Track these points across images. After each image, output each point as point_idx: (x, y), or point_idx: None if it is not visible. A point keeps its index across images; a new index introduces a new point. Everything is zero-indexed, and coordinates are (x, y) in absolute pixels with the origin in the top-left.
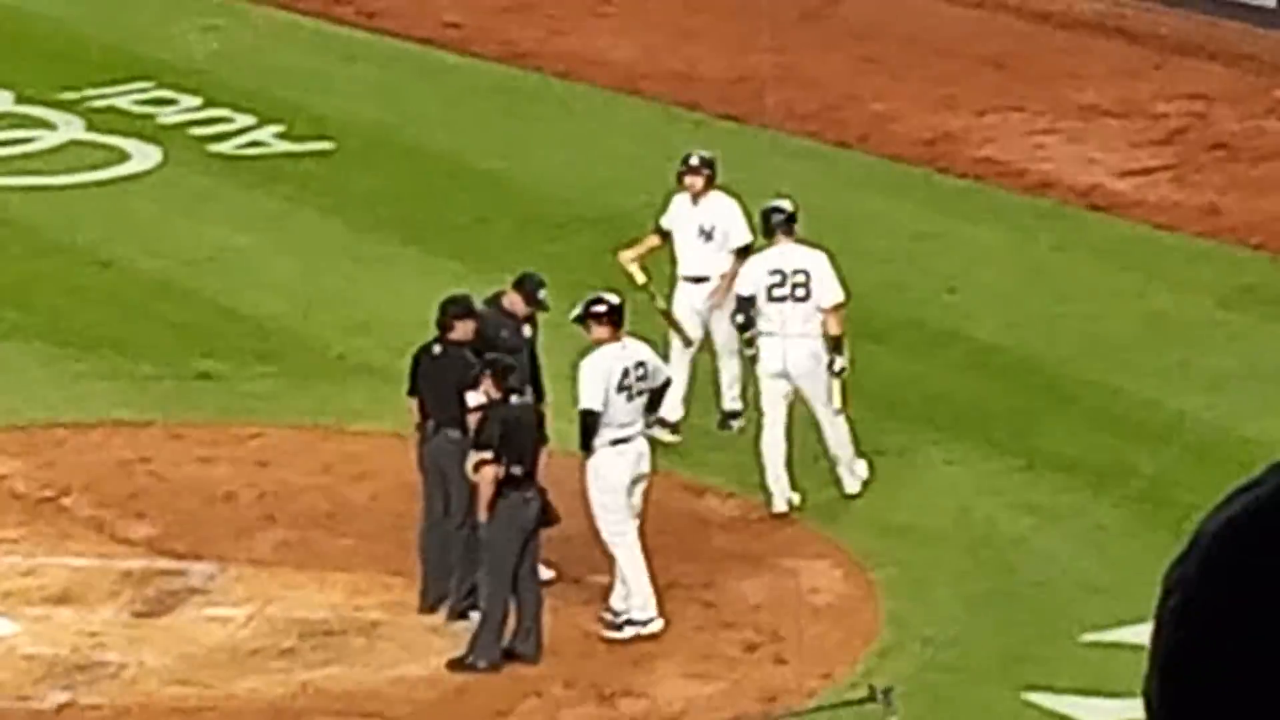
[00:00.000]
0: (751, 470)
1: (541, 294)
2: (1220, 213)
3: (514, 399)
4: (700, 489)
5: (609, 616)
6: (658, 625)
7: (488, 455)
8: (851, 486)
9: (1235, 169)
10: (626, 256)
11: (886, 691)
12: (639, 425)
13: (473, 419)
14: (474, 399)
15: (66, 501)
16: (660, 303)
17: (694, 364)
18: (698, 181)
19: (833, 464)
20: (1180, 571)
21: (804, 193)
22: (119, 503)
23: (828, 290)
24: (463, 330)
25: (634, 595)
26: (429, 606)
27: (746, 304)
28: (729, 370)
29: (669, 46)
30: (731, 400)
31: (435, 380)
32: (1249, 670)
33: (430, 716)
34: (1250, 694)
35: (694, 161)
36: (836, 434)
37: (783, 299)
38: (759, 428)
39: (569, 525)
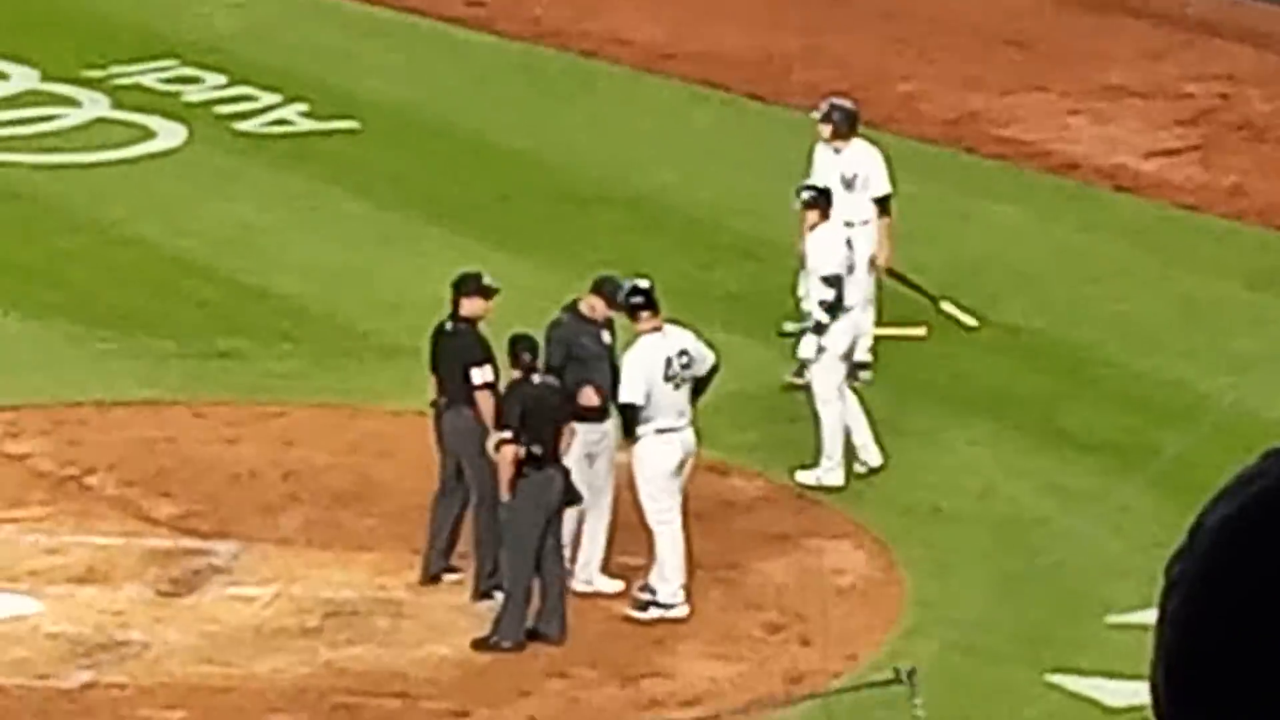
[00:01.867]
0: (776, 450)
1: (622, 295)
2: (1246, 194)
3: (535, 378)
4: (725, 469)
5: (642, 596)
6: (683, 612)
7: (508, 435)
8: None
9: (1262, 150)
10: (800, 246)
11: (910, 673)
12: (687, 414)
13: (479, 396)
14: (478, 376)
15: (91, 480)
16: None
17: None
18: (826, 129)
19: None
20: (1181, 568)
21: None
22: (144, 481)
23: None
24: (471, 307)
25: (667, 580)
26: (430, 577)
27: (835, 282)
28: (865, 320)
29: (695, 25)
30: (863, 351)
31: (446, 357)
32: (1251, 668)
33: (454, 696)
34: (1253, 690)
35: (827, 110)
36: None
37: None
38: (813, 412)
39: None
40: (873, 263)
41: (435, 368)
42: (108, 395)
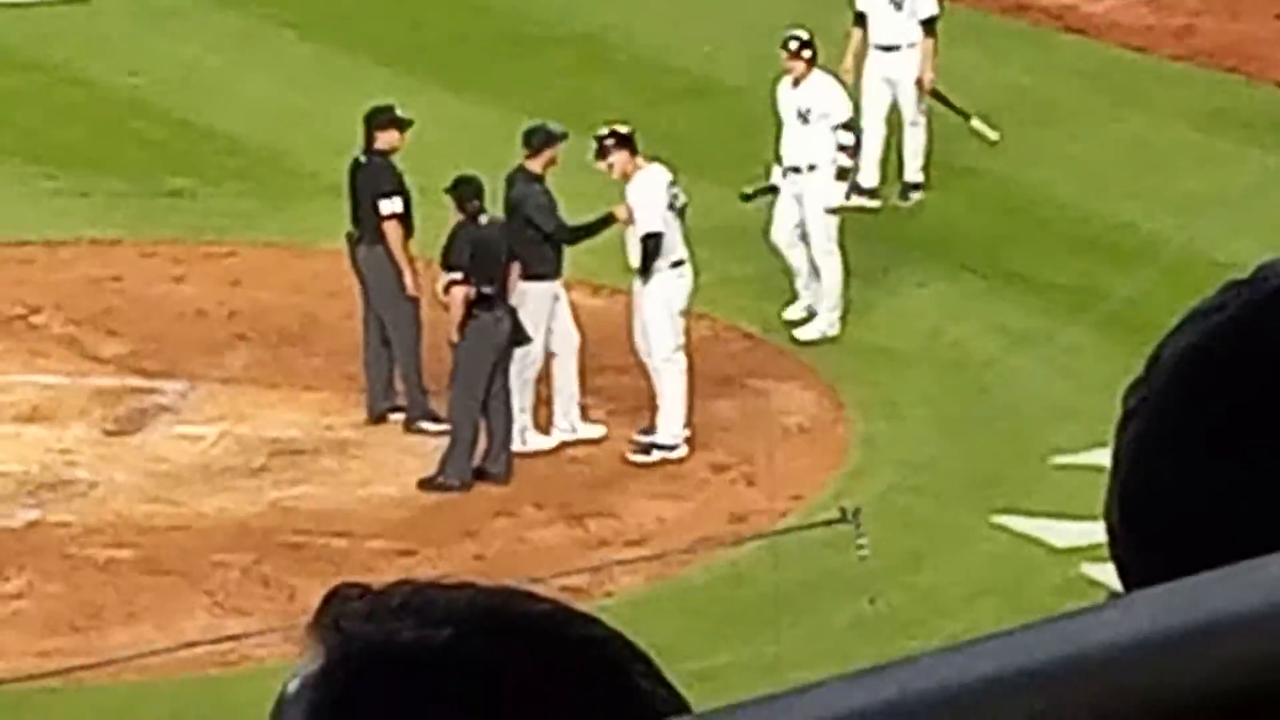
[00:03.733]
0: (724, 290)
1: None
2: (1195, 34)
3: (482, 219)
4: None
5: (643, 439)
6: (683, 451)
7: (457, 276)
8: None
9: None
10: (845, 67)
11: (856, 513)
12: (684, 247)
13: (387, 226)
14: (387, 206)
15: (38, 319)
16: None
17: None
18: None
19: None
20: (1138, 398)
21: (785, 18)
22: (90, 320)
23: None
24: (385, 139)
25: (670, 421)
26: (375, 418)
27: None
28: (914, 140)
29: None
30: (914, 172)
31: (359, 190)
32: (1209, 498)
33: (400, 535)
34: (1211, 520)
35: None
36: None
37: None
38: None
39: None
40: (919, 84)
41: (352, 201)
42: (54, 234)
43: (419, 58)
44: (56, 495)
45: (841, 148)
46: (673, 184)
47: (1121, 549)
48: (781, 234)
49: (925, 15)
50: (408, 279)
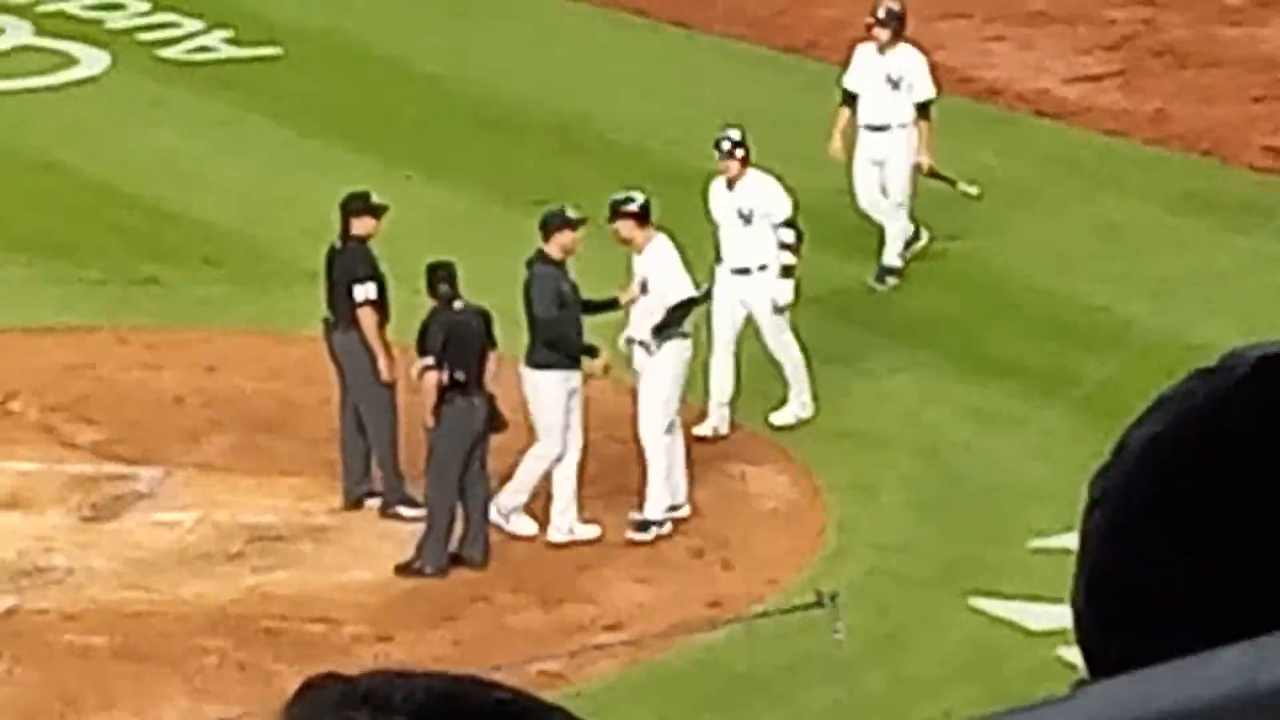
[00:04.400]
0: (699, 376)
1: (630, 206)
2: (1169, 119)
3: (457, 304)
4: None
5: (639, 517)
6: (666, 528)
7: (429, 362)
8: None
9: (1184, 76)
10: (835, 147)
11: (833, 597)
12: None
13: (361, 313)
14: (360, 292)
15: (14, 406)
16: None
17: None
18: (884, 34)
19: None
20: (1104, 485)
21: (753, 99)
22: (66, 407)
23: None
24: (360, 226)
25: (661, 496)
26: (351, 503)
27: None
28: (896, 224)
29: None
30: (893, 257)
31: (334, 275)
32: (1174, 587)
33: (377, 621)
34: (1176, 610)
35: (881, 14)
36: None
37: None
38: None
39: (517, 432)
40: (918, 167)
41: (328, 287)
42: (29, 321)
43: (393, 143)
44: (33, 582)
45: (784, 246)
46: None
47: (1086, 634)
48: (725, 333)
49: (922, 99)
50: (382, 365)
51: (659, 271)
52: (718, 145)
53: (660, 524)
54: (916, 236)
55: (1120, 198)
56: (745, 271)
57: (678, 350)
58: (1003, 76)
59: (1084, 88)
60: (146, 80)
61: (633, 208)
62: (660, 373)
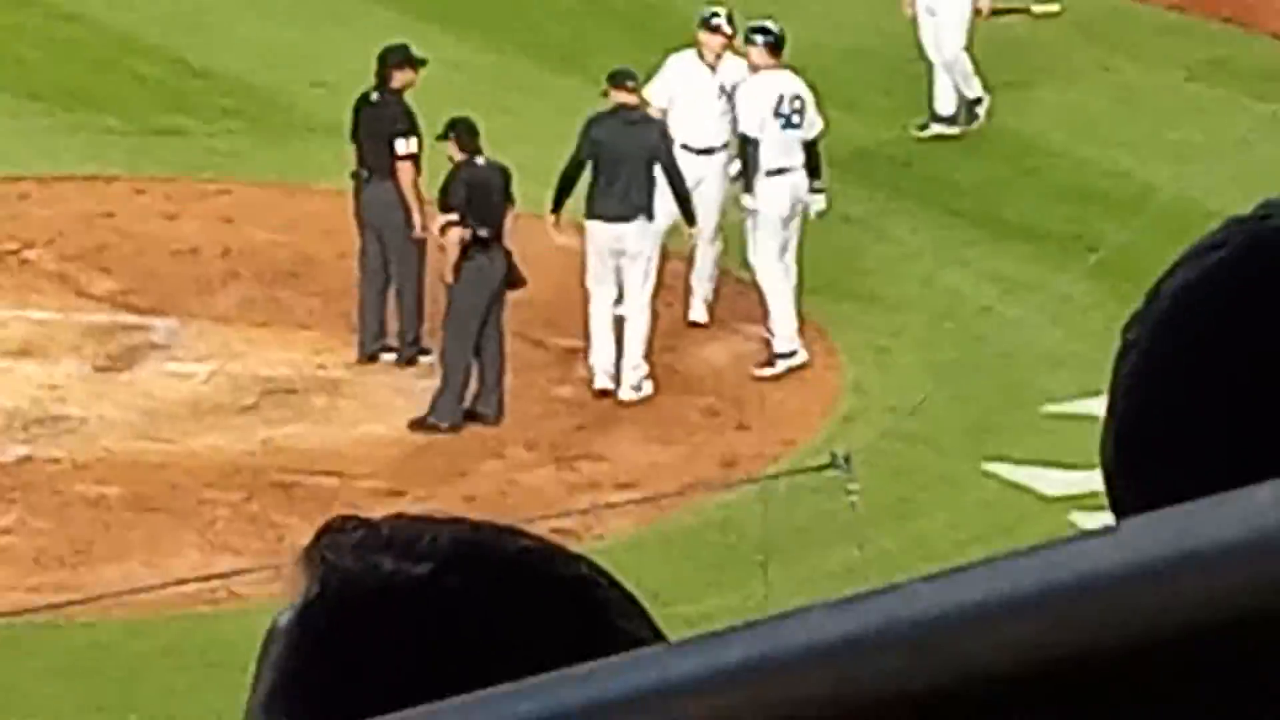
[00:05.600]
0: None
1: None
2: None
3: (479, 160)
4: (664, 253)
5: (764, 355)
6: (802, 357)
7: (454, 217)
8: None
9: None
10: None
11: (846, 458)
12: (799, 156)
13: (402, 167)
14: (403, 146)
15: (30, 255)
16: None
17: None
18: None
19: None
20: (1137, 331)
21: None
22: (83, 256)
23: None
24: (401, 79)
25: (780, 329)
26: (366, 357)
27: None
28: (965, 64)
29: None
30: (975, 89)
31: (371, 128)
32: (1208, 433)
33: (390, 476)
34: (1210, 455)
35: None
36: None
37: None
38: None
39: (534, 288)
40: (978, 13)
41: (358, 138)
42: (48, 170)
43: None
44: (46, 431)
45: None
46: (797, 97)
47: (1116, 487)
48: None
49: None
50: (417, 219)
51: (742, 105)
52: (705, 21)
53: (790, 354)
54: (976, 105)
55: (1141, 63)
56: (708, 152)
57: (762, 191)
58: None
59: None
60: None
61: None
62: (756, 216)
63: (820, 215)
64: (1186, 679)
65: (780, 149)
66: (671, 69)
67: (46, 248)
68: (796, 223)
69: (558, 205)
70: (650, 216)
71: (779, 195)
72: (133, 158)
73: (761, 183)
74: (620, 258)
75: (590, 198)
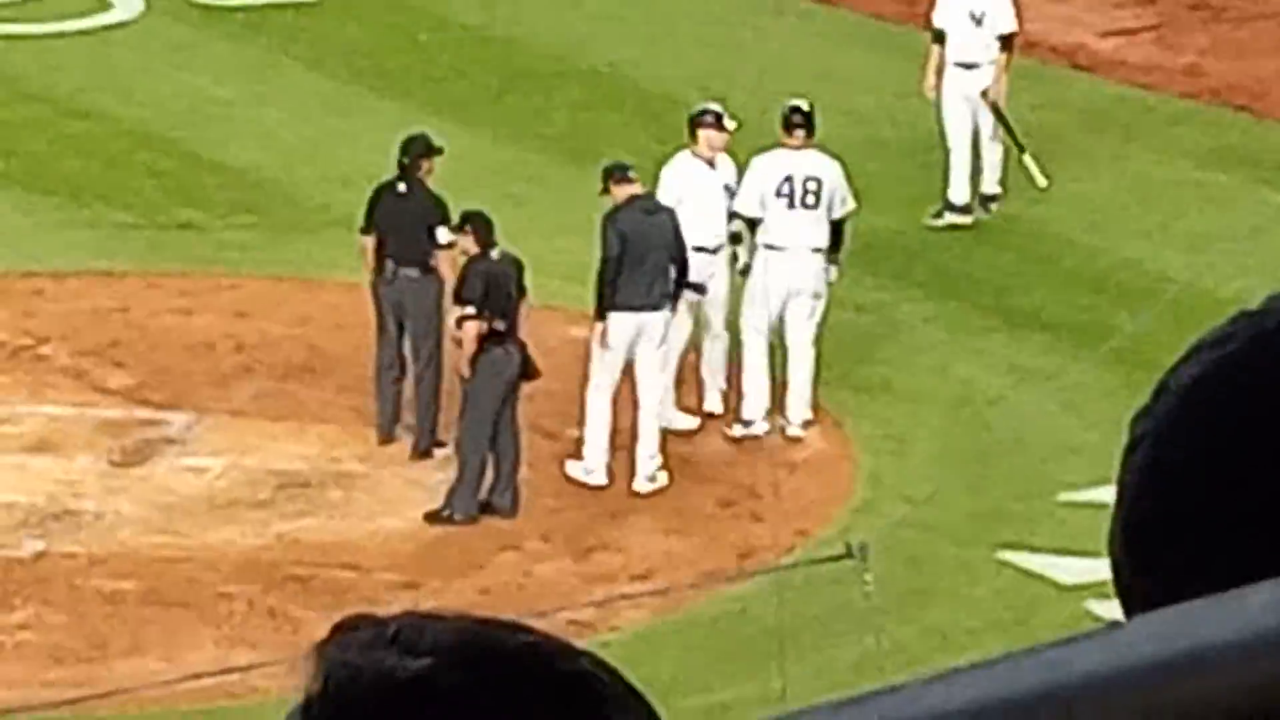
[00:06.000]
0: (733, 325)
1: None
2: (1203, 73)
3: (493, 253)
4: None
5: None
6: (761, 430)
7: (470, 311)
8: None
9: (1218, 29)
10: (929, 85)
11: (862, 548)
12: (804, 237)
13: (442, 256)
14: (444, 235)
15: (45, 350)
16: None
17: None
18: None
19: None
20: (1145, 426)
21: (787, 49)
22: (97, 352)
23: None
24: (426, 167)
25: (750, 398)
26: (383, 440)
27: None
28: (992, 154)
29: None
30: (992, 185)
31: (400, 219)
32: (1214, 529)
33: (406, 568)
34: (1216, 551)
35: None
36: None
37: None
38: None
39: (548, 381)
40: (984, 95)
41: (379, 229)
42: (62, 265)
43: (426, 91)
44: (63, 526)
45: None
46: (811, 179)
47: (1124, 580)
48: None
49: (1005, 31)
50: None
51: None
52: (700, 116)
53: (748, 424)
54: (991, 201)
55: (1153, 152)
56: (717, 250)
57: (758, 262)
58: (1038, 29)
59: (1118, 41)
60: (180, 25)
61: (800, 116)
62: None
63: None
64: None
65: (781, 227)
66: (672, 171)
67: (61, 343)
68: (802, 304)
69: (604, 307)
70: (675, 306)
71: (772, 270)
72: (145, 252)
73: (758, 256)
74: (636, 349)
75: (614, 290)
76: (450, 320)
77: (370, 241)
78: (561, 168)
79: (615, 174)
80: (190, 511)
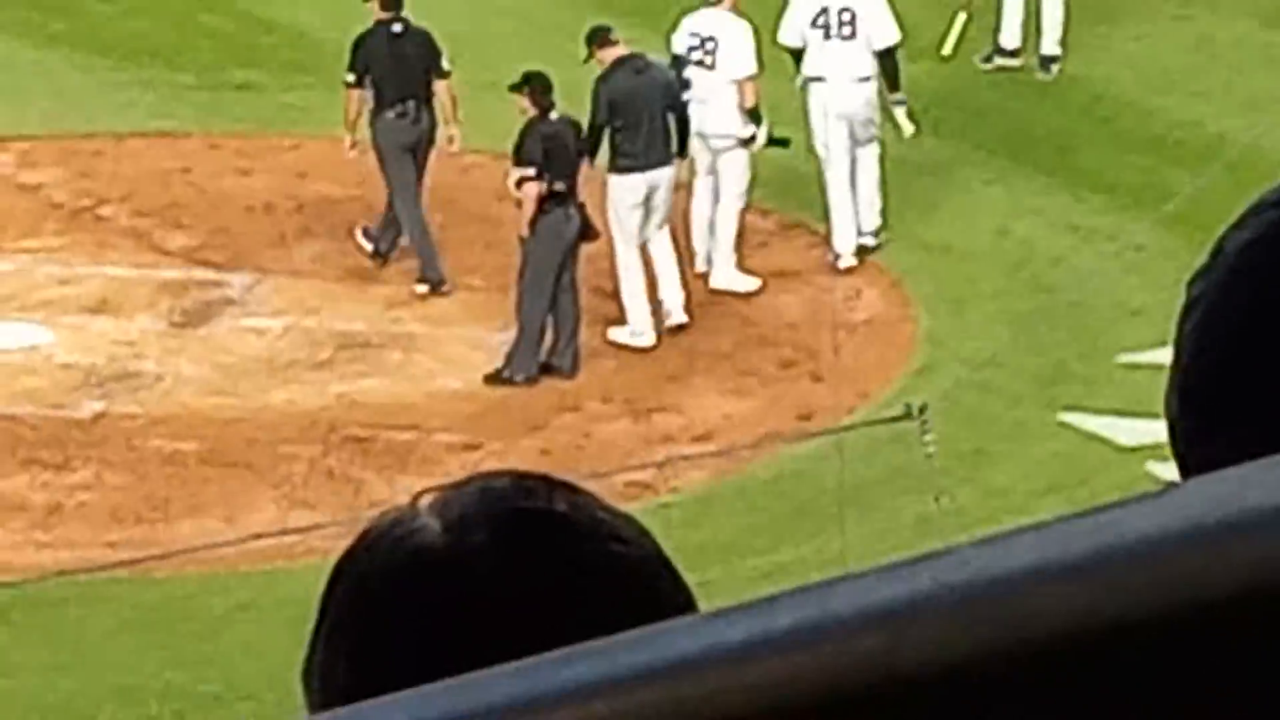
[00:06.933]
0: (791, 187)
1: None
2: None
3: (553, 115)
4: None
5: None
6: (871, 241)
7: (530, 172)
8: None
9: None
10: None
11: (922, 409)
12: (844, 66)
13: (444, 87)
14: (448, 65)
15: (105, 211)
16: None
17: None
18: None
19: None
20: (1201, 286)
21: None
22: (157, 212)
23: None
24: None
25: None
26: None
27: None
28: (1053, 12)
29: None
30: (1052, 45)
31: (401, 59)
32: (1268, 387)
33: (465, 429)
34: (1270, 409)
35: None
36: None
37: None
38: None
39: (605, 242)
40: None
41: (375, 72)
42: (122, 126)
43: None
44: (122, 387)
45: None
46: (845, 9)
47: (1181, 441)
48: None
49: None
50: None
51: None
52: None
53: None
54: (1052, 62)
55: (1214, 12)
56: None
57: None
58: None
59: None
60: None
61: None
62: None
63: (914, 135)
64: (1240, 642)
65: (819, 58)
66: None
67: (121, 204)
68: (858, 129)
69: (610, 170)
70: (684, 154)
71: (819, 99)
72: (205, 114)
73: (807, 87)
74: (650, 204)
75: (617, 153)
76: (509, 181)
77: (359, 93)
78: (625, 28)
79: (598, 38)
80: (250, 372)
